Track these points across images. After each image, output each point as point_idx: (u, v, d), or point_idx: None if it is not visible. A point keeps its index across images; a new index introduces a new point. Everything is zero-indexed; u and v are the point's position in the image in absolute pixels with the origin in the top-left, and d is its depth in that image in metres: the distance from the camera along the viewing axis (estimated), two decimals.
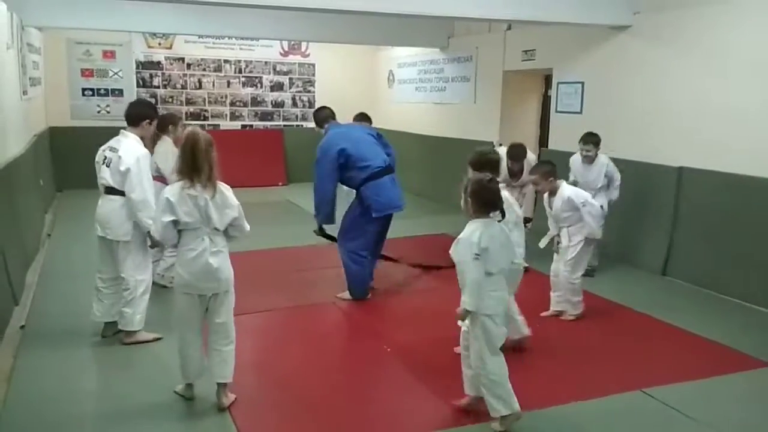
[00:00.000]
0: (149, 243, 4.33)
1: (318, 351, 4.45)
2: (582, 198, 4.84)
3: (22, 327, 4.61)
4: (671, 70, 6.26)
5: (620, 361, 4.28)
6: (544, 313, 5.00)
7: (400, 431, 3.33)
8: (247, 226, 3.55)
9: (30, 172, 7.26)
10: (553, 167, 4.94)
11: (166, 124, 5.52)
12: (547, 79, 8.65)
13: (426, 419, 3.45)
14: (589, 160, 5.91)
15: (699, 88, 5.97)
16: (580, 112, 7.47)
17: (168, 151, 5.32)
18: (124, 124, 5.56)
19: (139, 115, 4.41)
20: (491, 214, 3.28)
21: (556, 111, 7.99)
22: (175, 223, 3.36)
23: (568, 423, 3.45)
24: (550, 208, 4.95)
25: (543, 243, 5.01)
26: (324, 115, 5.66)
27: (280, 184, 11.83)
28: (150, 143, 5.47)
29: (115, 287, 4.37)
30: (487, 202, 3.29)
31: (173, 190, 3.38)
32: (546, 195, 4.99)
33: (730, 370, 4.13)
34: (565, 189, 4.89)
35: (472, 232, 3.23)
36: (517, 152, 6.39)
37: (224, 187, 3.45)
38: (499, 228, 3.30)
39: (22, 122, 7.29)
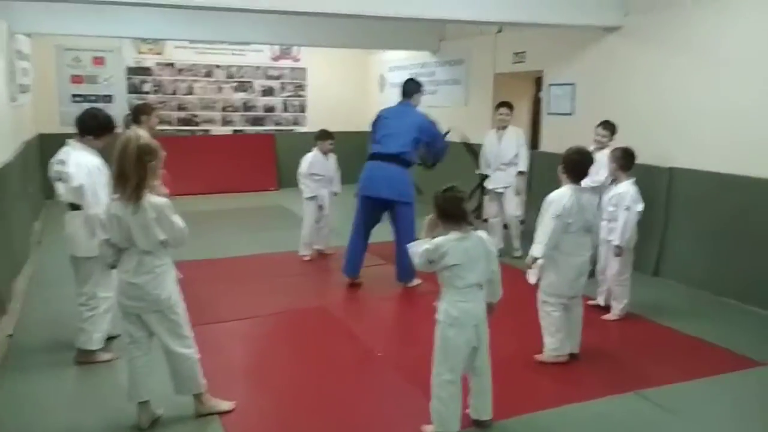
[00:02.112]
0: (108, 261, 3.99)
1: (309, 356, 4.41)
2: (628, 202, 4.88)
3: (10, 336, 4.55)
4: (662, 71, 6.26)
5: (614, 363, 4.26)
6: (590, 302, 5.14)
7: None
8: (181, 236, 3.27)
9: (19, 180, 7.20)
10: (624, 155, 5.02)
11: (138, 115, 5.41)
12: (538, 81, 8.65)
13: (417, 424, 3.41)
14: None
15: (690, 88, 5.97)
16: (572, 114, 7.46)
17: None
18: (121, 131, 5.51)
19: (81, 128, 4.14)
20: (461, 227, 3.19)
21: (548, 113, 7.99)
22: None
23: (561, 426, 3.42)
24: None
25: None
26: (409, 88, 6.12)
27: (271, 189, 11.78)
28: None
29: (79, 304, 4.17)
30: (448, 215, 3.21)
31: (107, 206, 3.23)
32: None
33: (725, 370, 4.12)
34: (626, 185, 4.94)
35: (442, 241, 3.16)
36: None
37: (153, 203, 3.15)
38: (475, 242, 3.21)
39: (11, 129, 7.22)
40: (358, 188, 5.77)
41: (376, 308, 5.40)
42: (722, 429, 3.42)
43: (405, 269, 5.67)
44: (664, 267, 6.21)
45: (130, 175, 3.07)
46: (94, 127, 4.14)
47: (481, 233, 3.29)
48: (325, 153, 6.90)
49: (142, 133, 3.18)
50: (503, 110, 6.99)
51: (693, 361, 4.29)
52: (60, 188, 4.06)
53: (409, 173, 5.73)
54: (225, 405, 3.52)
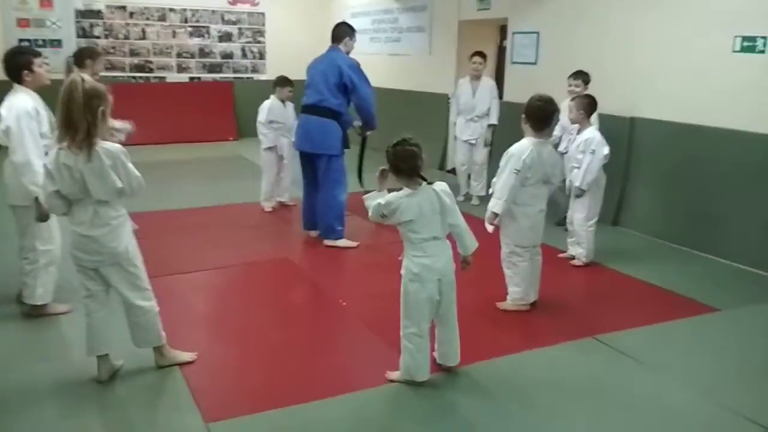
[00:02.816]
0: (35, 213, 3.75)
1: (271, 307, 4.38)
2: (594, 146, 4.91)
3: None
4: (627, 20, 6.23)
5: (573, 310, 4.34)
6: (560, 255, 5.30)
7: (356, 384, 3.30)
8: (138, 185, 3.10)
9: None
10: (591, 102, 5.05)
11: (83, 59, 5.03)
12: (503, 30, 8.54)
13: (382, 372, 3.43)
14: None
15: (654, 38, 5.96)
16: (536, 63, 7.42)
17: None
18: (61, 76, 5.23)
19: (13, 70, 3.85)
20: (414, 182, 3.15)
21: (512, 62, 7.92)
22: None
23: (522, 370, 3.48)
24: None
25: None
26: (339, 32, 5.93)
27: (230, 138, 11.53)
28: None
29: (22, 258, 4.02)
30: (400, 169, 3.15)
31: (51, 156, 3.00)
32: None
33: (681, 315, 4.23)
34: (591, 130, 4.99)
35: (394, 197, 3.13)
36: None
37: (107, 149, 2.97)
38: (428, 196, 3.16)
39: None
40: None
41: (339, 259, 5.37)
42: (677, 371, 3.52)
43: (326, 226, 5.57)
44: (624, 217, 6.31)
45: (78, 122, 2.89)
46: (10, 73, 3.89)
47: (437, 185, 3.21)
48: (283, 101, 6.74)
49: (86, 77, 2.96)
50: (476, 59, 6.98)
51: (650, 308, 4.39)
52: None
53: (332, 123, 5.42)
54: (186, 356, 3.48)
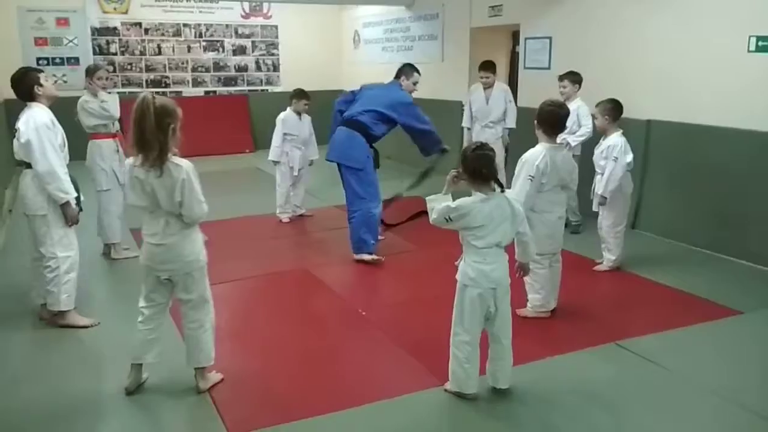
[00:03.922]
0: (65, 219, 4.01)
1: (291, 317, 4.41)
2: (616, 153, 4.89)
3: None
4: (640, 23, 6.21)
5: (594, 315, 4.31)
6: (596, 267, 5.22)
7: (378, 394, 3.31)
8: (197, 212, 3.11)
9: None
10: (616, 107, 5.01)
11: (86, 77, 5.45)
12: (515, 35, 8.55)
13: (404, 381, 3.44)
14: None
15: (668, 39, 5.93)
16: (549, 68, 7.41)
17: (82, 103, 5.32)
18: (82, 93, 5.38)
19: (25, 90, 4.03)
20: (488, 187, 3.11)
21: (525, 67, 7.92)
22: None
23: (544, 378, 3.47)
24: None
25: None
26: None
27: (247, 151, 11.62)
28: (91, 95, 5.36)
29: (39, 266, 4.13)
30: (476, 173, 3.11)
31: (125, 170, 3.11)
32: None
33: (702, 319, 4.20)
34: (614, 137, 4.96)
35: (465, 202, 3.11)
36: None
37: (175, 165, 3.04)
38: (500, 203, 3.12)
39: None
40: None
41: (357, 269, 5.38)
42: (700, 376, 3.49)
43: (357, 240, 5.44)
44: (642, 220, 6.27)
45: (151, 141, 2.95)
46: (21, 94, 4.07)
47: (508, 193, 3.21)
48: (298, 113, 6.78)
49: (158, 96, 3.06)
50: (483, 73, 7.03)
51: (672, 312, 4.36)
52: (15, 145, 4.01)
53: (359, 137, 5.39)
54: (218, 377, 3.47)
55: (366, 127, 5.41)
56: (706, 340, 3.94)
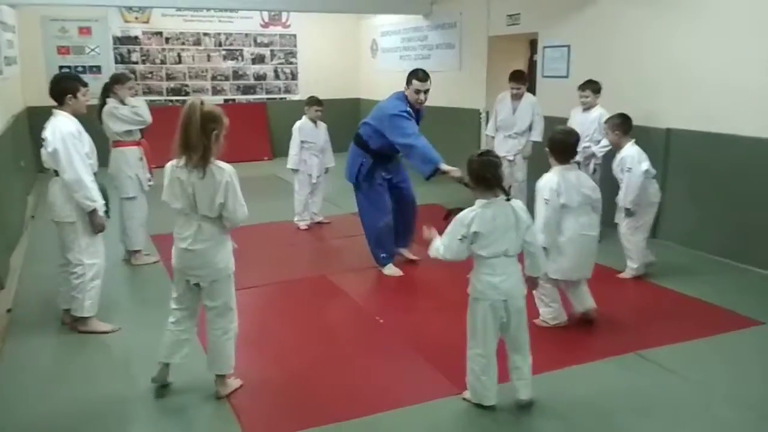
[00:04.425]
0: (91, 227, 4.08)
1: (309, 324, 4.42)
2: (629, 164, 4.90)
3: (9, 311, 4.54)
4: (659, 31, 6.18)
5: (613, 324, 4.28)
6: (619, 275, 5.20)
7: (396, 402, 3.31)
8: (240, 215, 3.20)
9: (9, 154, 7.11)
10: (624, 121, 5.03)
11: (112, 85, 5.51)
12: (533, 44, 8.55)
13: (422, 388, 3.44)
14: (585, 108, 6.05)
15: (689, 48, 5.89)
16: (567, 77, 7.39)
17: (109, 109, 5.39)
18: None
19: (58, 92, 4.11)
20: (492, 194, 3.10)
21: (543, 76, 7.91)
22: None
23: (563, 388, 3.45)
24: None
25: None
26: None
27: (265, 158, 11.70)
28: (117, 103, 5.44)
29: (65, 272, 4.20)
30: (481, 179, 3.11)
31: (166, 169, 3.17)
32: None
33: (724, 329, 4.15)
34: (627, 148, 4.97)
35: (466, 213, 3.11)
36: None
37: (218, 167, 3.11)
38: (503, 209, 3.10)
39: None
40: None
41: (374, 277, 5.39)
42: (722, 388, 3.45)
43: (371, 253, 5.47)
44: (663, 229, 6.22)
45: (195, 144, 3.03)
46: (54, 93, 4.15)
47: (516, 202, 3.17)
48: (313, 120, 6.80)
49: (204, 101, 3.12)
50: (513, 84, 6.81)
51: (693, 322, 4.32)
52: (42, 154, 4.08)
53: (356, 152, 5.34)
54: (237, 383, 3.49)
55: (364, 141, 5.34)
56: (728, 351, 3.89)
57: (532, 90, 8.40)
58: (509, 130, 6.94)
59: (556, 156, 4.07)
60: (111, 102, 5.43)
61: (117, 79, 5.56)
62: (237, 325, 3.43)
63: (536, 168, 7.01)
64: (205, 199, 3.12)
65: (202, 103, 3.08)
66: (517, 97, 6.86)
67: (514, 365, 3.25)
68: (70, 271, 4.14)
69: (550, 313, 4.19)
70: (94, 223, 4.06)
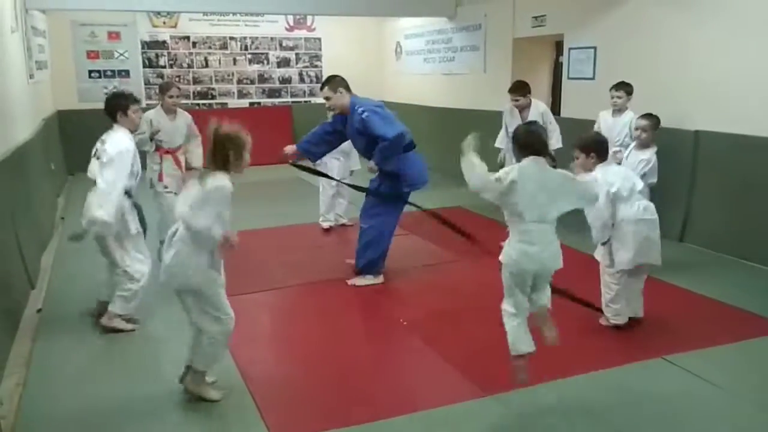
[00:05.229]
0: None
1: (334, 326, 4.44)
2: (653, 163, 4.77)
3: (39, 310, 4.63)
4: (686, 33, 6.10)
5: (640, 328, 4.22)
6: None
7: (420, 404, 3.31)
8: (195, 223, 3.14)
9: (40, 157, 7.25)
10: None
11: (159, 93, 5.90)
12: (558, 45, 8.49)
13: (446, 391, 3.44)
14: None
15: (715, 49, 5.81)
16: (593, 78, 7.33)
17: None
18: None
19: (110, 110, 4.28)
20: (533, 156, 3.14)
21: (568, 77, 7.85)
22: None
23: (589, 393, 3.42)
24: None
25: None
26: (346, 82, 5.40)
27: (290, 161, 11.73)
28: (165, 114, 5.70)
29: (112, 274, 4.32)
30: (526, 145, 3.17)
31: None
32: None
33: (753, 335, 4.08)
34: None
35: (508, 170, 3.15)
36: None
37: (216, 179, 3.18)
38: (542, 170, 3.11)
39: (30, 106, 7.26)
40: (417, 180, 5.20)
41: (397, 279, 5.39)
42: (749, 393, 3.39)
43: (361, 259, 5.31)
44: (690, 232, 6.13)
45: (211, 160, 3.22)
46: (107, 111, 4.30)
47: (562, 171, 3.22)
48: None
49: (226, 126, 3.25)
50: (512, 96, 6.53)
51: (720, 327, 4.25)
52: (93, 164, 4.18)
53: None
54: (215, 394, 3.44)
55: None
56: (756, 356, 3.83)
57: (557, 91, 8.36)
58: None
59: (599, 157, 3.96)
60: (155, 110, 5.81)
61: (160, 88, 5.95)
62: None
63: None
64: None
65: (220, 126, 3.23)
66: (522, 109, 6.53)
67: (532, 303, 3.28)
68: (116, 272, 4.26)
69: (609, 311, 4.16)
70: (99, 234, 4.11)
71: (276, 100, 12.24)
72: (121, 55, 10.98)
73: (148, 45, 11.22)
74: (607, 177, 3.93)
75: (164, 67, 11.34)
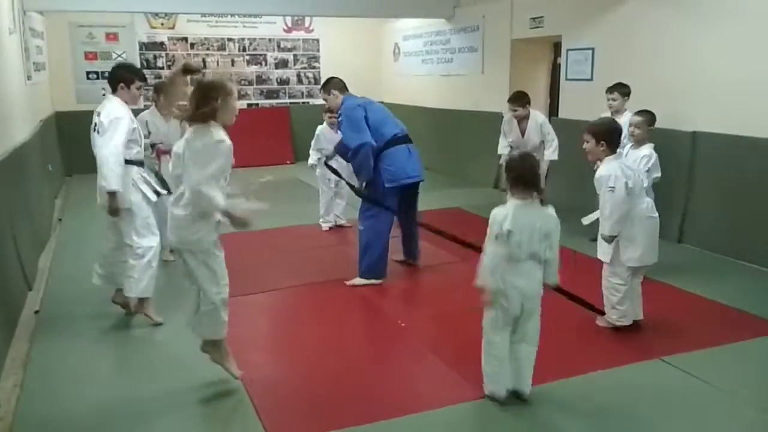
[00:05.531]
0: (108, 207, 4.13)
1: (333, 328, 4.44)
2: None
3: (37, 312, 4.62)
4: (684, 34, 6.11)
5: (639, 329, 4.22)
6: None
7: (417, 406, 3.30)
8: (207, 192, 3.18)
9: (38, 158, 7.24)
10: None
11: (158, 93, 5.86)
12: (557, 47, 8.50)
13: (444, 392, 3.43)
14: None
15: (714, 51, 5.82)
16: (591, 79, 7.34)
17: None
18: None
19: (112, 79, 4.30)
20: (527, 195, 3.11)
21: (566, 79, 7.86)
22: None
23: (587, 394, 3.41)
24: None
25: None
26: (341, 84, 5.48)
27: (288, 162, 11.77)
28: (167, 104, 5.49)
29: (119, 254, 4.35)
30: (518, 177, 3.13)
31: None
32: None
33: (751, 336, 4.08)
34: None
35: (499, 210, 3.13)
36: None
37: (216, 133, 3.19)
38: (540, 212, 3.11)
39: (28, 108, 7.25)
40: (389, 178, 5.05)
41: (396, 280, 5.38)
42: (747, 394, 3.39)
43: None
44: (688, 233, 6.14)
45: (201, 107, 3.19)
46: (109, 79, 4.35)
47: (550, 209, 3.17)
48: (331, 125, 6.80)
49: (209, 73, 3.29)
50: (511, 106, 6.65)
51: (718, 328, 4.25)
52: (95, 139, 4.16)
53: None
54: (236, 372, 3.52)
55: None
56: (755, 357, 3.83)
57: (555, 92, 8.37)
58: (522, 150, 6.68)
59: (609, 146, 3.95)
60: (150, 110, 5.78)
61: (155, 88, 5.96)
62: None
63: (567, 184, 6.99)
64: (189, 162, 3.23)
65: (203, 77, 3.30)
66: (521, 120, 6.61)
67: (514, 354, 3.27)
68: (128, 253, 4.27)
69: (615, 313, 4.13)
70: (109, 206, 4.13)
71: (274, 102, 12.24)
72: (119, 56, 10.96)
73: (146, 46, 11.22)
74: (614, 171, 3.90)
75: (162, 68, 11.33)
